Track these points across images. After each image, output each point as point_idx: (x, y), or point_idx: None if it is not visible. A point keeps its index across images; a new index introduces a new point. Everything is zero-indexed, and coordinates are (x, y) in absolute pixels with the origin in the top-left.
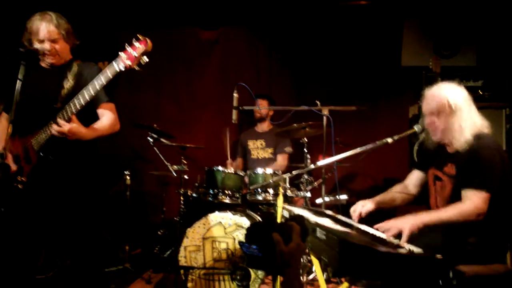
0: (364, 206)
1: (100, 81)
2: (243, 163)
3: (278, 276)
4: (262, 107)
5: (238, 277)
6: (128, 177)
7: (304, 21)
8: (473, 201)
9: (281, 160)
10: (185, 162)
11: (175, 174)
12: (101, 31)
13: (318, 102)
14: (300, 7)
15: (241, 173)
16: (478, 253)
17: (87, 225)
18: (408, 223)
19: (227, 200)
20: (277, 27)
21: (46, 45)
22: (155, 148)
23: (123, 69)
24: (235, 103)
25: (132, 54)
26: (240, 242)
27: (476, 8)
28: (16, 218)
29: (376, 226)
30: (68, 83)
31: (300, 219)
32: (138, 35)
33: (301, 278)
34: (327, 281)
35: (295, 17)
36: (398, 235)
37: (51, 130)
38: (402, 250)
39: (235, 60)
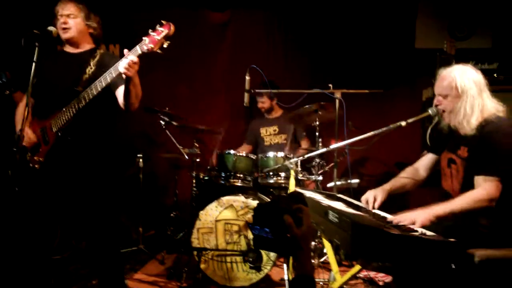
0: (376, 198)
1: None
2: (251, 150)
3: (291, 258)
4: (264, 103)
5: (250, 259)
6: (141, 160)
7: (317, 2)
8: (484, 187)
9: (305, 144)
10: (197, 145)
11: (187, 157)
12: (111, 13)
13: (330, 85)
14: None
15: (253, 157)
16: (491, 236)
17: (103, 206)
18: (420, 216)
19: (239, 183)
20: (290, 8)
21: (61, 19)
22: (167, 132)
23: (145, 52)
24: (247, 86)
25: (155, 38)
26: (249, 224)
27: None
28: (32, 199)
29: (389, 219)
30: (90, 69)
31: (299, 195)
32: (162, 20)
33: (313, 260)
34: (339, 263)
35: None
36: None
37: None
38: (414, 233)
39: (248, 42)
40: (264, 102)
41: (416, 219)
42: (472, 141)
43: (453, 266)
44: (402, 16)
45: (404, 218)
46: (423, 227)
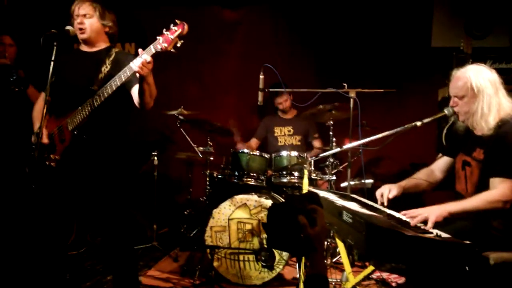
0: (390, 191)
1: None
2: (258, 145)
3: (303, 259)
4: (286, 101)
5: (263, 258)
6: (155, 158)
7: (331, 0)
8: (499, 189)
9: (318, 144)
10: (210, 144)
11: (201, 156)
12: (126, 12)
13: (345, 85)
14: None
15: (266, 156)
16: (504, 239)
17: (118, 203)
18: (433, 212)
19: (252, 182)
20: (301, 6)
21: (77, 19)
22: (181, 130)
23: (159, 51)
24: (261, 85)
25: (168, 37)
26: (263, 224)
27: None
28: (49, 196)
29: (403, 213)
30: (106, 68)
31: (314, 195)
32: (176, 19)
33: (325, 260)
34: (351, 264)
35: None
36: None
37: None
38: (429, 235)
39: (258, 41)
40: (286, 101)
41: (430, 215)
42: (488, 142)
43: (467, 269)
44: (418, 14)
45: (417, 213)
46: (438, 228)
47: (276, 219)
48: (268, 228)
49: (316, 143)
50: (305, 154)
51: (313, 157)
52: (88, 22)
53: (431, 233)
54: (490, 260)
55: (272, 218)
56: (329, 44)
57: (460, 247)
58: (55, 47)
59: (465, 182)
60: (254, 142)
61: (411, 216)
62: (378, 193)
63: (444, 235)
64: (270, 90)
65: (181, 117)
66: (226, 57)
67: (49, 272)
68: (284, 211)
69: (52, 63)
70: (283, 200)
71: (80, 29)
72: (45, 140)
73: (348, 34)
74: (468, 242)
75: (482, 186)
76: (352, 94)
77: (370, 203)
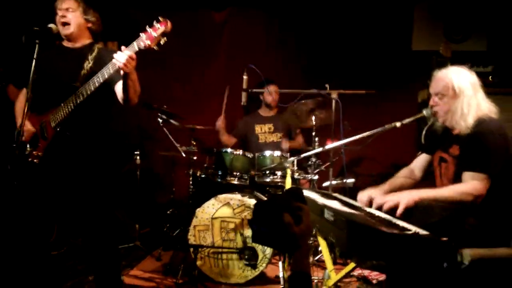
0: (372, 199)
1: None
2: (236, 144)
3: (286, 255)
4: (275, 92)
5: (246, 256)
6: (138, 157)
7: (314, 3)
8: (471, 183)
9: (300, 139)
10: (194, 143)
11: (184, 155)
12: (110, 11)
13: (327, 86)
14: None
15: (250, 155)
16: (479, 235)
17: (100, 202)
18: (404, 197)
19: (235, 182)
20: (288, 8)
21: (60, 13)
22: (164, 129)
23: (142, 48)
24: (244, 85)
25: (152, 35)
26: (249, 221)
27: None
28: (31, 193)
29: (374, 200)
30: (88, 64)
31: (298, 192)
32: (159, 17)
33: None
34: (333, 262)
35: None
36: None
37: (114, 65)
38: (408, 232)
39: (245, 41)
40: (271, 94)
41: (401, 199)
42: (464, 140)
43: (445, 265)
44: (399, 18)
45: (389, 198)
46: (410, 222)
47: (261, 217)
48: (253, 224)
49: (299, 139)
50: (288, 154)
51: (296, 157)
52: (71, 15)
53: (410, 230)
54: (468, 256)
55: (258, 216)
56: (314, 46)
57: (438, 243)
58: (37, 45)
59: (440, 178)
60: (232, 140)
61: (382, 201)
62: (359, 199)
63: (422, 232)
64: (254, 90)
65: (164, 116)
66: (213, 58)
67: (30, 272)
68: (270, 208)
69: (34, 61)
70: (269, 198)
71: (63, 23)
72: (29, 127)
73: (331, 37)
74: (445, 238)
75: (457, 181)
76: (334, 95)
77: (351, 201)
